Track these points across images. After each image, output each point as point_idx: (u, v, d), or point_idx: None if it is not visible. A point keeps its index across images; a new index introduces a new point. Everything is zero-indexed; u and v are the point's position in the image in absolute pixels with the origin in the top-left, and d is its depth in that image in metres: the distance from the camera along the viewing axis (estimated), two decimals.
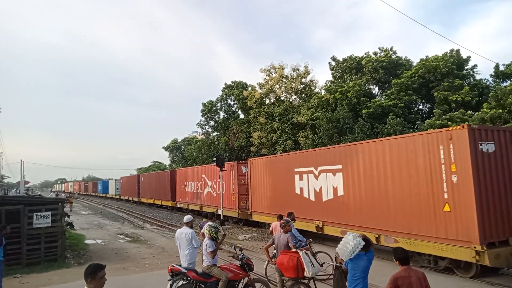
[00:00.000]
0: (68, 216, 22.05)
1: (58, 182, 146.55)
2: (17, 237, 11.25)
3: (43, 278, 10.31)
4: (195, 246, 7.51)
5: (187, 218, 7.91)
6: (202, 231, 10.61)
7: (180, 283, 6.83)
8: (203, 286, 6.81)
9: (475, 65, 23.79)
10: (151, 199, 36.79)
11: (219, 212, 20.65)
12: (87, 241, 16.77)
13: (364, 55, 28.23)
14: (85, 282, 3.65)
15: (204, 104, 40.06)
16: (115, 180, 54.51)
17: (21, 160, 64.99)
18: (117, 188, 51.69)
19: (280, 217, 11.29)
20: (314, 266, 6.57)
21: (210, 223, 7.52)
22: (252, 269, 7.42)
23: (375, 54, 27.82)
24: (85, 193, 78.41)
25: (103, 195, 61.58)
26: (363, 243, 5.25)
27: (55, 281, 10.04)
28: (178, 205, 29.88)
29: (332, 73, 31.01)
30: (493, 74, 22.67)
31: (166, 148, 61.47)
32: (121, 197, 49.38)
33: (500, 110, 17.63)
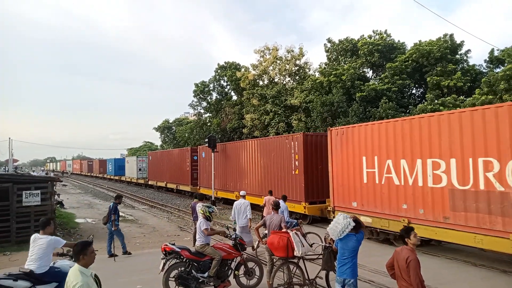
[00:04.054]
0: (58, 195, 21.96)
1: (48, 161, 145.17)
2: (6, 215, 11.19)
3: None
4: (249, 214, 9.99)
5: (242, 192, 11.13)
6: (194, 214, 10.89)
7: (173, 261, 6.87)
8: (196, 264, 6.85)
9: (469, 50, 23.80)
10: (236, 193, 18.59)
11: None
12: (77, 220, 16.74)
13: (360, 38, 28.00)
14: (76, 260, 3.64)
15: (196, 85, 39.58)
16: (137, 157, 40.25)
17: (9, 138, 63.86)
18: (140, 169, 38.35)
19: (270, 193, 11.59)
20: (303, 246, 6.63)
21: (204, 203, 7.70)
22: (244, 248, 7.48)
23: (370, 37, 27.62)
24: (88, 173, 63.85)
25: (115, 177, 47.58)
26: (353, 224, 5.32)
27: None
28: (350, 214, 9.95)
29: (327, 55, 30.76)
30: (487, 59, 22.70)
31: (157, 129, 61.05)
32: (149, 182, 35.17)
33: (491, 96, 17.72)
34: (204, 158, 23.76)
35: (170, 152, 31.41)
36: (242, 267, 7.28)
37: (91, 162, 65.64)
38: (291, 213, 13.82)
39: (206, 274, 6.80)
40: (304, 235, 8.08)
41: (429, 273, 7.41)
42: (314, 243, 8.85)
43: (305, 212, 14.38)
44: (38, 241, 5.62)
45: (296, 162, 15.00)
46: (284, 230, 7.07)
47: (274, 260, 7.19)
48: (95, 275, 3.66)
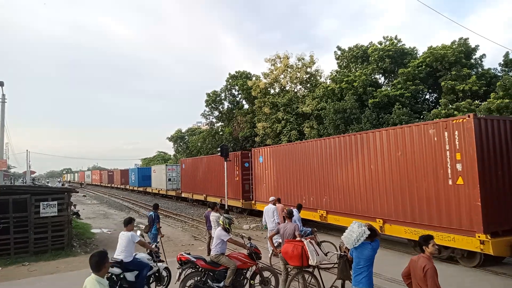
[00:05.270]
0: (75, 206, 22.27)
1: (64, 172, 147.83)
2: (24, 226, 11.41)
3: (51, 266, 10.45)
4: (276, 219, 10.41)
5: (272, 198, 11.36)
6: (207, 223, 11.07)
7: (189, 271, 6.91)
8: (211, 274, 6.87)
9: (484, 54, 23.51)
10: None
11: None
12: (93, 230, 16.94)
13: (369, 45, 27.93)
14: (96, 270, 3.62)
15: (208, 94, 39.98)
16: (166, 166, 35.46)
17: (27, 150, 64.74)
18: (170, 179, 33.99)
19: (279, 200, 11.72)
20: (318, 255, 6.58)
21: (225, 214, 7.76)
22: (260, 257, 7.44)
23: (380, 43, 27.52)
24: (109, 185, 59.60)
25: (139, 189, 43.17)
26: (368, 232, 5.25)
27: (62, 269, 10.18)
28: None
29: (338, 63, 30.77)
30: (502, 62, 22.37)
31: (170, 139, 61.52)
32: (182, 195, 30.26)
33: (507, 100, 17.43)
34: (261, 164, 18.36)
35: (211, 159, 24.86)
36: (258, 276, 7.25)
37: (112, 173, 61.37)
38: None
39: (221, 284, 6.80)
40: (318, 244, 8.03)
41: (447, 281, 7.24)
42: (329, 252, 8.78)
43: (481, 249, 8.63)
44: (122, 237, 6.89)
45: (458, 165, 9.29)
46: (298, 238, 7.03)
47: (289, 269, 7.14)
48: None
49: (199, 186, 26.52)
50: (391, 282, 8.09)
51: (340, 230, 12.15)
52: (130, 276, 6.66)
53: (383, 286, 7.79)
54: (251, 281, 7.14)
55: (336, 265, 6.89)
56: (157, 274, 7.33)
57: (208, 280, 6.79)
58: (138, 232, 8.80)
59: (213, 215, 10.31)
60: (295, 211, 9.33)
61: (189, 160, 30.58)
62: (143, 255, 7.19)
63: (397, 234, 10.90)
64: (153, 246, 7.89)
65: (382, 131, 11.78)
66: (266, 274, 7.37)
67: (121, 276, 6.60)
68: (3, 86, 21.49)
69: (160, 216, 22.46)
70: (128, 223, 7.06)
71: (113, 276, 6.53)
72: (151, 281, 7.24)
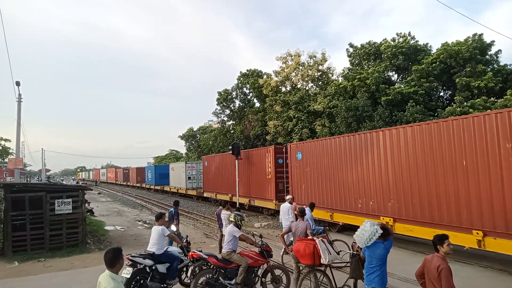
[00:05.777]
0: (89, 203, 22.60)
1: (79, 170, 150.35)
2: (40, 223, 11.64)
3: (66, 263, 10.63)
4: (291, 217, 10.61)
5: (288, 196, 11.73)
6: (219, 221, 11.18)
7: (201, 268, 6.97)
8: (223, 271, 6.90)
9: (499, 50, 22.94)
10: None
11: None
12: (107, 227, 17.17)
13: (383, 41, 27.56)
14: (110, 267, 3.65)
15: (219, 93, 40.09)
16: (186, 164, 32.80)
17: (42, 148, 65.91)
18: (189, 178, 31.90)
19: (292, 199, 11.85)
20: (330, 254, 6.55)
21: (236, 212, 7.83)
22: (271, 255, 7.45)
23: (393, 40, 27.14)
24: (124, 183, 59.31)
25: (156, 187, 41.75)
26: (380, 231, 5.21)
27: (76, 265, 10.35)
28: None
29: (350, 60, 30.46)
30: None
31: (182, 137, 61.87)
32: (204, 195, 28.44)
33: None
34: (300, 162, 16.09)
35: (251, 152, 21.41)
36: (269, 274, 7.25)
37: (127, 170, 59.88)
38: None
39: (233, 281, 6.83)
40: (330, 243, 7.98)
41: (462, 282, 7.13)
42: (341, 251, 8.73)
43: None
44: (154, 231, 7.42)
45: None
46: (310, 237, 7.01)
47: (301, 268, 7.12)
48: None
49: (223, 185, 24.31)
50: (404, 281, 8.00)
51: (353, 229, 11.59)
52: (162, 268, 7.08)
53: (397, 286, 7.70)
54: (263, 279, 7.15)
55: (348, 264, 6.84)
56: (187, 267, 7.67)
57: (220, 278, 6.82)
58: (173, 227, 9.69)
59: (224, 213, 10.35)
60: (307, 209, 9.31)
61: (212, 157, 27.89)
62: (174, 249, 7.68)
63: (503, 251, 8.36)
64: (184, 241, 8.20)
65: (481, 115, 8.94)
66: (277, 272, 7.37)
67: (153, 268, 7.01)
68: (20, 85, 21.89)
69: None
70: (159, 218, 7.63)
71: (145, 268, 6.92)
72: (182, 273, 7.63)
